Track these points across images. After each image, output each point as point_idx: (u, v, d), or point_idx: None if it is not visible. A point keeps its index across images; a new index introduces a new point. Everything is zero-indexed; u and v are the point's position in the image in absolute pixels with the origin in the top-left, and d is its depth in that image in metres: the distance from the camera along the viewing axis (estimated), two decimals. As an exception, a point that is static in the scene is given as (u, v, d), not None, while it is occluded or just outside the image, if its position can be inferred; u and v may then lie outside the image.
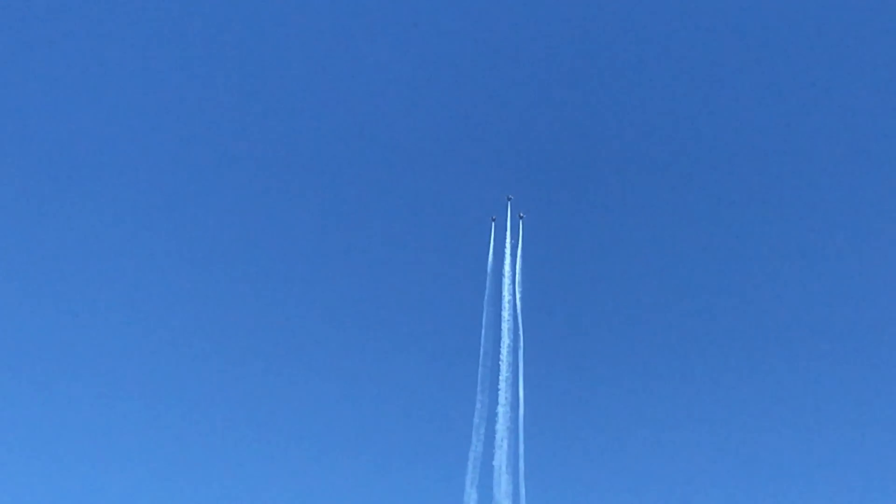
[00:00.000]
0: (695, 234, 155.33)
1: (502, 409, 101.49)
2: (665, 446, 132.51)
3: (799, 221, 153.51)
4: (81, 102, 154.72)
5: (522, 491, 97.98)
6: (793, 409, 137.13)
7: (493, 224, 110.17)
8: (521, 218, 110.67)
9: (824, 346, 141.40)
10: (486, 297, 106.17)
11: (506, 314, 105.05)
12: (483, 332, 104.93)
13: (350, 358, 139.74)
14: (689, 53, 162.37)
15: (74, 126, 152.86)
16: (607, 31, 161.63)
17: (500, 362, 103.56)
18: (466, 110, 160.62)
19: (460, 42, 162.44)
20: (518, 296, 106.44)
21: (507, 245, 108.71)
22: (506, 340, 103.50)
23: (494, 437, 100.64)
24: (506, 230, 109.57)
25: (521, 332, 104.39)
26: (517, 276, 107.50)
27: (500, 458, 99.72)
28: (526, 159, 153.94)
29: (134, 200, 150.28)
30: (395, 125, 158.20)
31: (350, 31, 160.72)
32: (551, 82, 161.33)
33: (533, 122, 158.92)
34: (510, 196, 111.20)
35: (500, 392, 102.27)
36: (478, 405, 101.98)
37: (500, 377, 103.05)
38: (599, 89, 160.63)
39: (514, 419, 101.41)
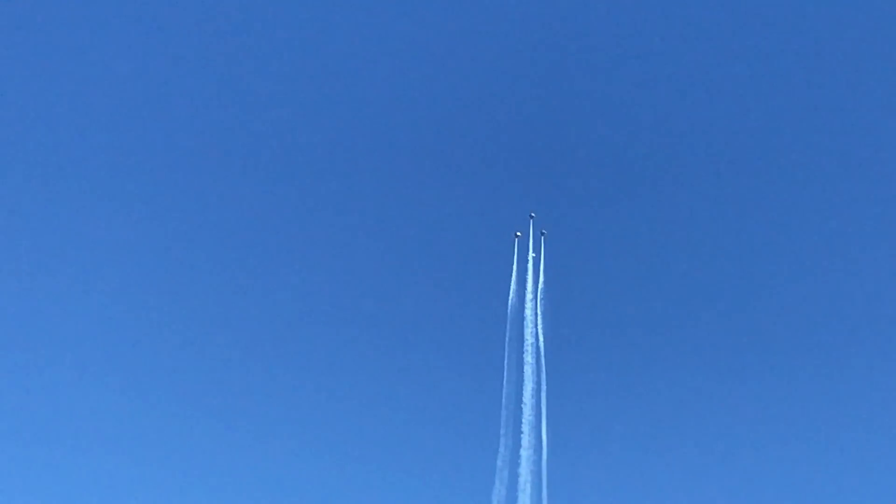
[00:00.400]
0: (725, 255, 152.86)
1: (525, 453, 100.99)
2: (693, 490, 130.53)
3: (829, 230, 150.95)
4: (81, 102, 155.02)
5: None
6: (829, 424, 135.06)
7: (516, 241, 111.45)
8: (542, 235, 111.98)
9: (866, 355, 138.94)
10: (507, 339, 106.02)
11: (528, 357, 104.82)
12: (505, 374, 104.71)
13: (371, 396, 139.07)
14: (715, 72, 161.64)
15: (73, 126, 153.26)
16: (630, 51, 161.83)
17: (523, 405, 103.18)
18: (490, 126, 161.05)
19: (485, 61, 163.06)
20: (541, 335, 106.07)
21: (530, 268, 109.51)
22: (528, 384, 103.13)
23: (518, 481, 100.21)
24: (528, 248, 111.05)
25: (543, 374, 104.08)
26: (539, 308, 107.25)
27: (524, 501, 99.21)
28: (549, 177, 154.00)
29: (140, 201, 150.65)
30: (419, 141, 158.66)
31: (376, 48, 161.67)
32: (575, 99, 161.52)
33: (556, 139, 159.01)
34: (533, 213, 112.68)
35: (523, 435, 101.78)
36: (501, 448, 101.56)
37: (523, 420, 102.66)
38: (625, 106, 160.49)
39: (538, 462, 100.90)
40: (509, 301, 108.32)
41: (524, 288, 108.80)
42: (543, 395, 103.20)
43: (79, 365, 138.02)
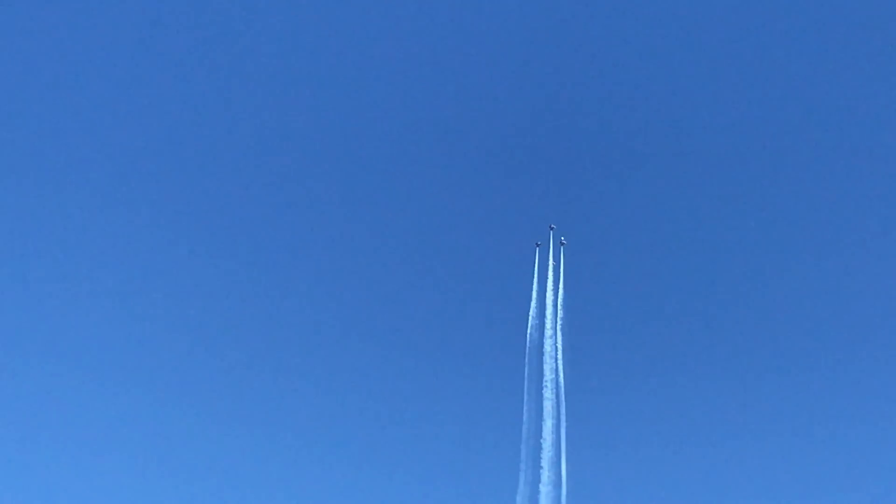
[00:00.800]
0: (750, 268, 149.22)
1: (545, 489, 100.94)
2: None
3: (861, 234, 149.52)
4: (80, 102, 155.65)
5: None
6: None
7: (537, 250, 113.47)
8: (562, 244, 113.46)
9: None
10: (526, 372, 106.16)
11: (548, 392, 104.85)
12: (525, 409, 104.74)
13: (388, 428, 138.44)
14: (735, 84, 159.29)
15: (73, 126, 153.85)
16: (652, 65, 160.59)
17: (543, 440, 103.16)
18: (510, 139, 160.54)
19: (508, 75, 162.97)
20: (561, 370, 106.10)
21: (549, 285, 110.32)
22: (548, 422, 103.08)
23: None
24: (548, 257, 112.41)
25: (563, 410, 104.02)
26: (558, 341, 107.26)
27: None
28: (568, 189, 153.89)
29: (139, 201, 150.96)
30: (440, 153, 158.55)
31: (405, 63, 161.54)
32: (597, 110, 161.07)
33: (575, 152, 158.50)
34: (553, 225, 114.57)
35: (542, 471, 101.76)
36: (520, 485, 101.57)
37: (542, 455, 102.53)
38: (646, 118, 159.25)
39: (557, 498, 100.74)
40: (528, 328, 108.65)
41: (544, 310, 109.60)
42: (563, 430, 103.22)
43: (77, 366, 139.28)
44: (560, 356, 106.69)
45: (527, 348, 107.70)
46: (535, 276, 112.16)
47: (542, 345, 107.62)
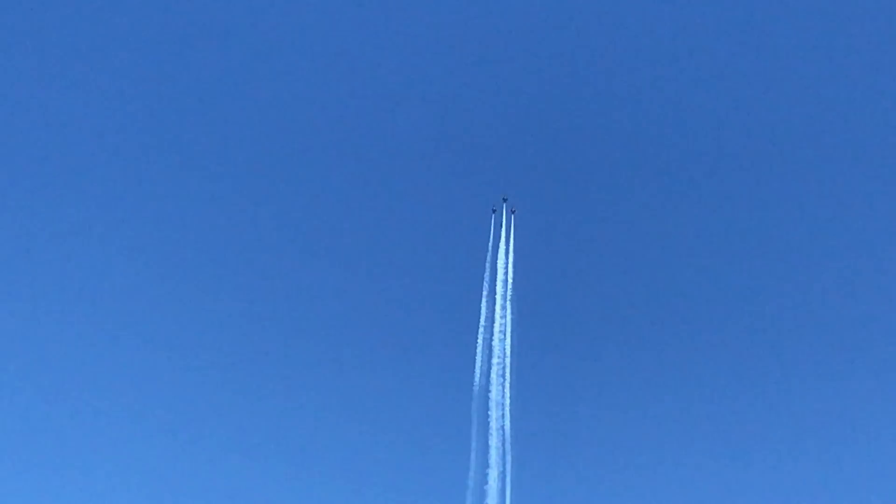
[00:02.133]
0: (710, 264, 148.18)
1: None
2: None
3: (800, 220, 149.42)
4: (79, 103, 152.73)
5: None
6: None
7: (492, 217, 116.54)
8: (513, 213, 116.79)
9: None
10: (474, 422, 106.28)
11: (493, 441, 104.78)
12: (472, 456, 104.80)
13: (326, 476, 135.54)
14: (682, 53, 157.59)
15: (72, 126, 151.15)
16: (598, 34, 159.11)
17: (487, 487, 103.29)
18: (463, 113, 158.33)
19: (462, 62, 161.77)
20: (507, 415, 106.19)
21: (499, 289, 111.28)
22: (494, 471, 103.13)
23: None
24: (500, 235, 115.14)
25: (508, 459, 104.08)
26: (506, 390, 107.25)
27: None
28: (521, 161, 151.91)
29: (142, 203, 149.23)
30: (395, 130, 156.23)
31: (353, 32, 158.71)
32: (547, 85, 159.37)
33: (527, 124, 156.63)
34: (505, 197, 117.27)
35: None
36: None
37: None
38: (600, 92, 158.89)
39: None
40: (476, 376, 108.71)
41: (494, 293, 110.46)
42: (508, 477, 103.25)
43: (74, 365, 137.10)
44: (508, 402, 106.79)
45: (474, 393, 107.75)
46: (487, 263, 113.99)
47: (489, 390, 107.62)
